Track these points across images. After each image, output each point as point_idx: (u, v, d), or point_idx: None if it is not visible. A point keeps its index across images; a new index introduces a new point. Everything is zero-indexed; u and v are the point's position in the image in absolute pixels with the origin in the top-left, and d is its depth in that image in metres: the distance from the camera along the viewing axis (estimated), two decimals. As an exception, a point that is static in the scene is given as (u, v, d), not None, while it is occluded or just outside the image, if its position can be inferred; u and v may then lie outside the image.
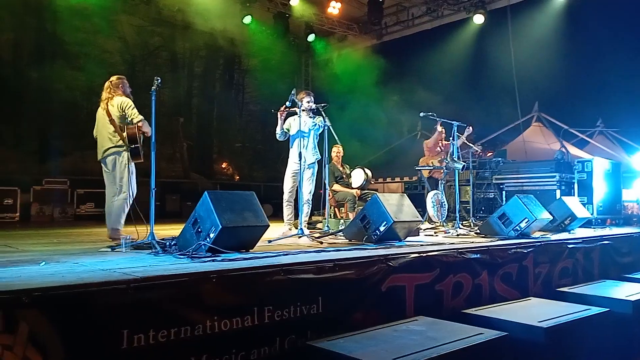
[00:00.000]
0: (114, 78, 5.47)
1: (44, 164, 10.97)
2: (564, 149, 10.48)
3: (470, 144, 8.46)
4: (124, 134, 5.17)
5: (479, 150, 8.62)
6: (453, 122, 7.29)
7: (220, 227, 3.74)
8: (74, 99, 11.28)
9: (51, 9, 10.96)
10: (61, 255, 3.92)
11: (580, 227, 7.23)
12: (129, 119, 5.21)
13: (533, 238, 5.71)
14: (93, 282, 2.56)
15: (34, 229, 7.56)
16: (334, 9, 12.56)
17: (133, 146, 5.17)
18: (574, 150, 11.81)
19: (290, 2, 12.10)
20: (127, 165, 5.21)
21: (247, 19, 12.66)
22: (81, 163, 11.28)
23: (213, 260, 3.45)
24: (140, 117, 5.23)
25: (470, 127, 8.25)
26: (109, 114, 5.22)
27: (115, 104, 5.24)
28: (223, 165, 15.02)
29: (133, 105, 5.28)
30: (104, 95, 5.38)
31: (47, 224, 9.30)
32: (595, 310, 4.02)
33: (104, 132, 5.25)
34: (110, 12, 11.98)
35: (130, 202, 5.26)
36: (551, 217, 6.35)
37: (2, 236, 6.12)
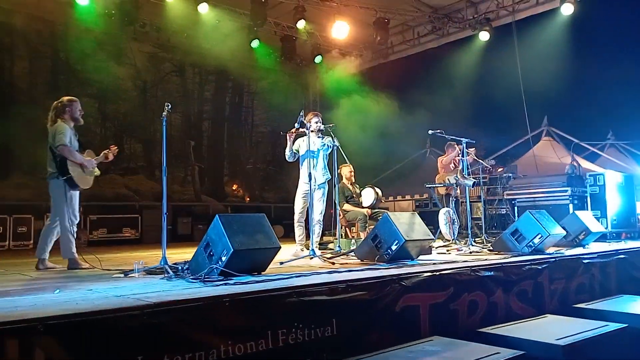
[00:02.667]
0: (64, 99, 5.37)
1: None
2: (575, 163, 10.41)
3: (479, 160, 8.44)
4: (59, 162, 5.14)
5: (491, 167, 8.56)
6: (462, 139, 7.29)
7: (232, 250, 3.75)
8: (87, 124, 11.38)
9: (64, 38, 11.20)
10: (75, 282, 3.95)
11: (594, 241, 7.14)
12: (55, 145, 5.13)
13: (547, 254, 5.64)
14: (107, 308, 2.57)
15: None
16: (340, 30, 12.69)
17: (65, 177, 5.12)
18: (585, 164, 11.73)
19: (297, 25, 12.25)
20: (65, 194, 5.14)
21: (255, 43, 12.84)
22: (97, 188, 11.38)
23: (225, 284, 3.45)
24: (63, 142, 5.10)
25: (473, 149, 8.24)
26: (49, 140, 5.20)
27: (51, 131, 5.19)
28: (234, 187, 15.09)
29: (64, 130, 5.17)
30: (50, 115, 5.31)
31: (60, 250, 9.35)
32: (613, 326, 3.95)
33: (48, 156, 5.24)
34: (121, 40, 12.23)
35: (74, 231, 5.20)
36: (565, 232, 6.28)
37: (17, 264, 6.17)
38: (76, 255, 5.23)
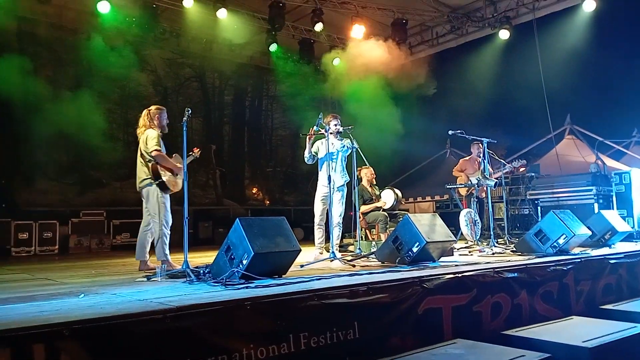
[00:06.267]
0: (152, 108, 5.51)
1: (84, 195, 11.32)
2: (599, 161, 10.20)
3: (501, 160, 8.32)
4: (150, 168, 5.23)
5: (517, 167, 8.36)
6: (483, 139, 7.21)
7: (253, 253, 3.77)
8: (111, 130, 11.65)
9: (86, 46, 11.41)
10: (99, 287, 4.00)
11: (621, 241, 6.99)
12: (148, 151, 5.23)
13: (572, 254, 5.54)
14: (130, 313, 2.60)
15: (73, 261, 7.75)
16: (358, 32, 12.66)
17: (158, 181, 5.20)
18: (610, 162, 11.49)
19: (315, 28, 12.27)
20: (158, 198, 5.25)
21: (273, 47, 12.89)
22: (119, 193, 11.62)
23: (247, 287, 3.46)
24: (156, 147, 5.21)
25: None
26: (140, 147, 5.34)
27: (143, 138, 5.32)
28: (254, 191, 15.17)
29: (156, 137, 5.29)
30: (140, 123, 5.47)
31: (84, 255, 9.52)
32: (642, 328, 3.86)
33: (139, 163, 5.37)
34: (141, 47, 12.39)
35: (168, 234, 5.29)
36: (590, 232, 6.17)
37: (43, 269, 6.28)
38: (169, 257, 5.27)
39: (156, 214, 5.26)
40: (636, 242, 7.53)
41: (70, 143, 10.47)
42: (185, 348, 2.63)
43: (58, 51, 11.38)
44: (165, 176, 5.25)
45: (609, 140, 12.71)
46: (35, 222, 9.91)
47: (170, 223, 5.34)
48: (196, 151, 5.71)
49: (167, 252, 5.27)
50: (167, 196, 5.37)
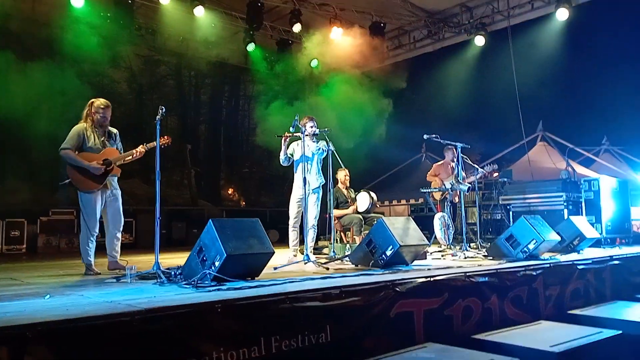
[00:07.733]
0: (97, 101, 5.22)
1: (56, 195, 11.07)
2: (569, 168, 10.39)
3: (474, 165, 8.41)
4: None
5: (490, 172, 8.45)
6: (457, 144, 7.28)
7: (225, 255, 3.74)
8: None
9: (60, 41, 11.18)
10: (66, 288, 3.91)
11: (589, 247, 7.15)
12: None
13: (542, 259, 5.64)
14: (97, 315, 2.55)
15: (41, 261, 7.56)
16: (336, 34, 12.70)
17: (67, 180, 5.03)
18: (580, 169, 11.74)
19: (293, 29, 12.27)
20: (77, 197, 5.04)
21: (251, 47, 12.84)
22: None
23: (218, 290, 3.42)
24: (64, 146, 5.00)
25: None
26: None
27: None
28: (230, 191, 15.07)
29: (74, 134, 5.08)
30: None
31: (53, 255, 9.30)
32: (608, 333, 3.94)
33: None
34: (116, 43, 12.19)
35: (90, 238, 5.02)
36: (559, 238, 6.27)
37: (8, 269, 6.12)
38: (90, 260, 5.03)
39: (83, 215, 5.01)
40: (604, 248, 7.70)
41: (42, 140, 10.23)
42: (154, 351, 2.58)
43: (30, 46, 11.12)
44: (73, 175, 5.02)
45: (579, 148, 13.00)
46: (2, 221, 9.67)
47: (94, 228, 5.03)
48: (166, 139, 5.17)
49: (90, 255, 5.01)
50: (93, 198, 5.04)
